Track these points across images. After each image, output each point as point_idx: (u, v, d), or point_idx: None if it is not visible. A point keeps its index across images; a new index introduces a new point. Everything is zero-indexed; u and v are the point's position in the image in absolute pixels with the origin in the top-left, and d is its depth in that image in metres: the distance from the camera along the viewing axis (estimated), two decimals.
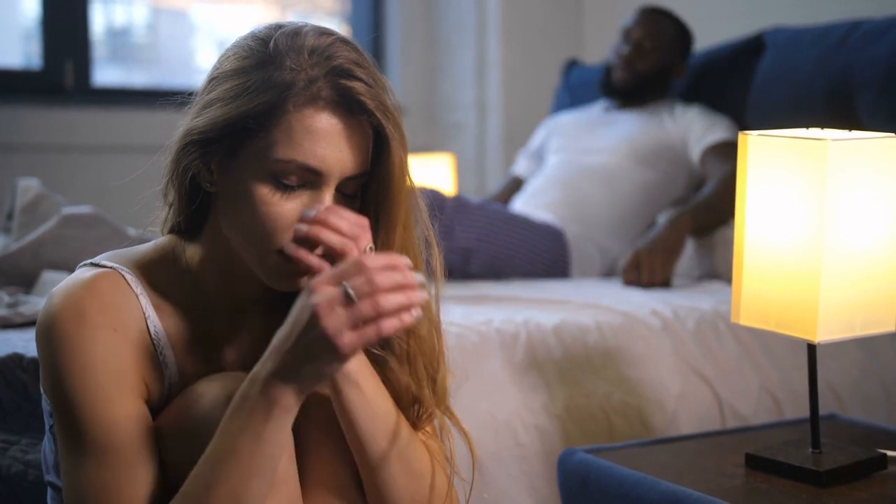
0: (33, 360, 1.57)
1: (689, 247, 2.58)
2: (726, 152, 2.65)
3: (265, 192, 1.11)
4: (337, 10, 4.32)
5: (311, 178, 1.11)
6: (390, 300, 1.00)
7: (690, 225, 2.48)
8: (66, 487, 1.11)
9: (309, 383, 1.04)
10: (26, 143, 3.34)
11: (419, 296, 1.02)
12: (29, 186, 2.26)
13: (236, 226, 1.14)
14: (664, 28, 2.88)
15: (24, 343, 1.63)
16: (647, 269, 2.39)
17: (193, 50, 4.22)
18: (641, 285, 2.39)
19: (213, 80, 1.14)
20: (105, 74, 3.69)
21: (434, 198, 2.37)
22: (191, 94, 1.18)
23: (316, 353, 1.01)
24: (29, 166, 3.23)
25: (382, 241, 1.15)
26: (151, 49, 4.11)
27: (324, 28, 1.15)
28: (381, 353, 1.17)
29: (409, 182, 1.16)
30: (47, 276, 1.96)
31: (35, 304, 1.86)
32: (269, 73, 1.09)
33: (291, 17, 4.30)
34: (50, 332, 1.11)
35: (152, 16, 4.07)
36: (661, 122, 2.81)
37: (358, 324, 0.99)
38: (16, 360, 1.58)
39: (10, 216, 2.28)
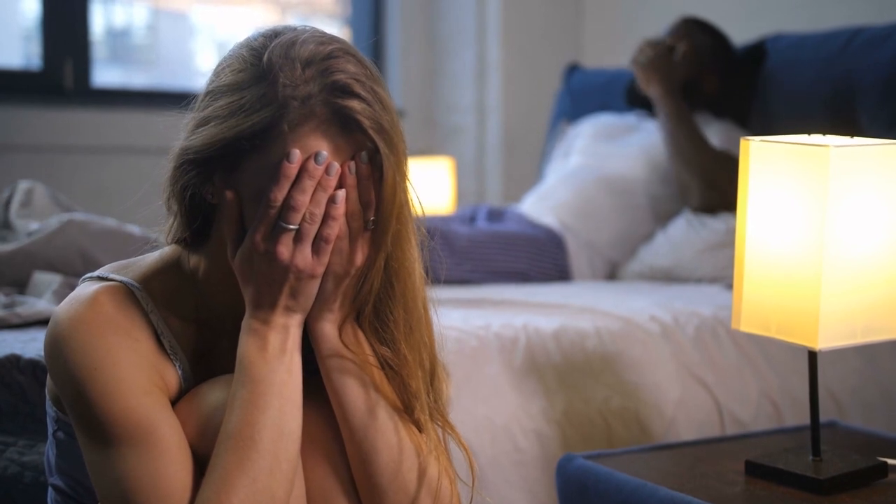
0: (30, 362, 1.56)
1: (689, 249, 2.56)
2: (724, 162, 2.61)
3: None
4: (337, 13, 4.31)
5: None
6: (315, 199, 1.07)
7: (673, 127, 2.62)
8: (102, 486, 1.08)
9: (298, 307, 1.11)
10: (25, 143, 3.34)
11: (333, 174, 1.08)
12: (28, 188, 2.24)
13: None
14: (697, 37, 2.75)
15: (20, 344, 1.62)
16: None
17: (193, 51, 4.22)
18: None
19: (209, 94, 1.12)
20: (105, 75, 3.68)
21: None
22: (193, 98, 1.17)
23: (277, 279, 1.09)
24: (28, 167, 3.22)
25: (372, 258, 1.13)
26: (151, 50, 4.10)
27: (322, 35, 1.11)
28: (379, 355, 1.17)
29: (404, 201, 1.13)
30: (39, 277, 1.95)
31: (32, 305, 1.84)
32: (263, 89, 1.07)
33: (291, 19, 4.30)
34: (61, 343, 1.09)
35: (152, 17, 4.07)
36: None
37: (300, 239, 1.08)
38: (13, 360, 1.57)
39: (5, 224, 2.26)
